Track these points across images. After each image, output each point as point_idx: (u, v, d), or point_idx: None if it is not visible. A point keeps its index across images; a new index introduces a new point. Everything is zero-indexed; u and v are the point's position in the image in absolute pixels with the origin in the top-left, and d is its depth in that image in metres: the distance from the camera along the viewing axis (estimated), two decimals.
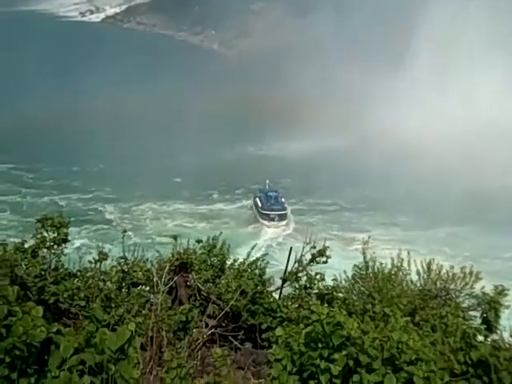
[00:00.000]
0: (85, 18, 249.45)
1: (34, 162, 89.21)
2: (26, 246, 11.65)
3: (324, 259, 12.44)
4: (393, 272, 13.37)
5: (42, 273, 10.79)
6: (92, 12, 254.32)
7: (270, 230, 76.02)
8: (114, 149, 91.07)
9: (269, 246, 68.19)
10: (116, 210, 78.29)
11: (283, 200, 79.72)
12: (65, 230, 11.50)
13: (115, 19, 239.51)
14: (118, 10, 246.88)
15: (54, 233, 11.47)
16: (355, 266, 13.94)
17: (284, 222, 77.49)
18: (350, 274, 14.30)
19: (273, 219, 77.52)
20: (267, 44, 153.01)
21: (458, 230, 71.52)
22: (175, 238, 12.22)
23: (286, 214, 78.36)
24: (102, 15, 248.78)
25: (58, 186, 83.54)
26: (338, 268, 13.98)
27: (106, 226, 72.55)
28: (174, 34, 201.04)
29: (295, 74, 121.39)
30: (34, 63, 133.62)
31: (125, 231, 13.75)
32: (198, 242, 13.23)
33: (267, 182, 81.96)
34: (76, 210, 74.58)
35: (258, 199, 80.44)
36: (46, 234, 11.50)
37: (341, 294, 12.26)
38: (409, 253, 13.61)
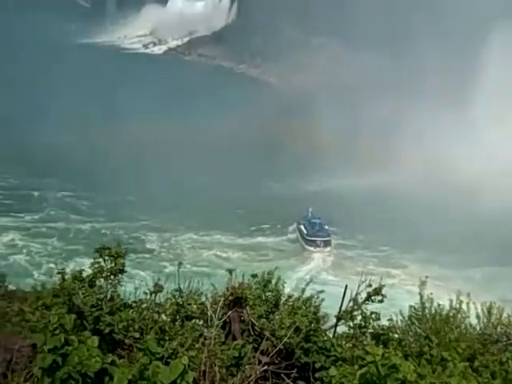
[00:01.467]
0: (147, 50, 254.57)
1: (90, 190, 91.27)
2: (84, 275, 11.80)
3: (380, 298, 12.26)
4: (451, 314, 13.06)
5: (99, 302, 10.91)
6: (155, 44, 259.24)
7: (312, 264, 76.29)
8: (165, 178, 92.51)
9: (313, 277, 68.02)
10: (158, 240, 79.34)
11: (327, 227, 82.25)
12: (122, 261, 11.64)
13: (177, 51, 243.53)
14: (179, 42, 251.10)
15: (111, 263, 11.59)
16: (411, 306, 13.67)
17: (329, 248, 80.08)
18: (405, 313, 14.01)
19: (318, 245, 79.99)
20: (325, 79, 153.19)
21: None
22: (230, 272, 12.22)
23: (330, 240, 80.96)
24: (164, 47, 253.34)
25: (107, 214, 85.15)
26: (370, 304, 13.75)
27: (147, 255, 73.66)
28: (233, 66, 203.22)
29: (350, 109, 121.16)
30: (95, 93, 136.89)
31: (180, 263, 13.81)
32: (253, 276, 13.21)
33: (310, 209, 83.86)
34: (118, 239, 75.49)
35: (302, 226, 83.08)
36: (103, 264, 11.63)
37: (396, 335, 12.03)
38: (469, 295, 13.30)
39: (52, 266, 71.35)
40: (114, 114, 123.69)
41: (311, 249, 79.89)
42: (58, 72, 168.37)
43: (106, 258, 11.49)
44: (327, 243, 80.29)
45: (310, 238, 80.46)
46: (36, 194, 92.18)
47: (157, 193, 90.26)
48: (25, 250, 74.92)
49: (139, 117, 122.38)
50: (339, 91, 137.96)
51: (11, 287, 14.46)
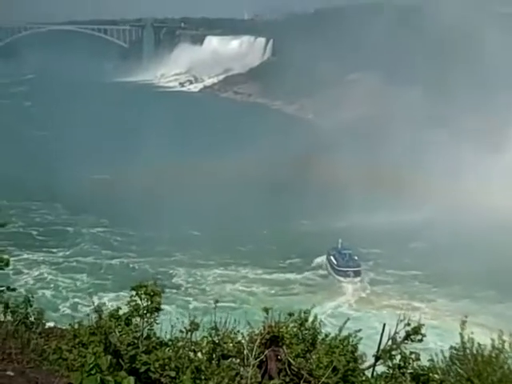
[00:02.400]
0: (184, 88, 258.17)
1: (124, 225, 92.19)
2: (121, 313, 11.78)
3: (419, 337, 12.04)
4: (493, 354, 12.74)
5: (135, 341, 10.80)
6: (191, 82, 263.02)
7: (340, 299, 76.29)
8: (198, 214, 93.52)
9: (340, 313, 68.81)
10: (185, 275, 79.83)
11: (356, 258, 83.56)
12: (158, 299, 11.56)
13: (213, 89, 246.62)
14: (215, 80, 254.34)
15: (147, 301, 11.57)
16: (452, 346, 13.36)
17: (359, 278, 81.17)
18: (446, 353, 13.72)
19: (349, 275, 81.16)
20: (363, 114, 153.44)
21: None
22: (267, 310, 12.11)
23: (360, 270, 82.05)
24: (200, 85, 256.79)
25: (138, 249, 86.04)
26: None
27: (173, 290, 73.93)
28: (269, 103, 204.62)
29: (388, 144, 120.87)
30: (133, 130, 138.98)
31: (216, 301, 13.73)
32: (290, 315, 13.03)
33: (340, 240, 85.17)
34: (144, 274, 77.23)
35: (332, 257, 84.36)
36: (139, 302, 11.61)
37: (437, 376, 11.76)
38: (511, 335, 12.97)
39: (77, 300, 73.15)
40: (151, 150, 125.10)
41: (341, 279, 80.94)
42: (95, 110, 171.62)
43: (143, 296, 11.46)
44: (357, 273, 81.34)
45: (340, 269, 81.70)
46: (70, 229, 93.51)
47: (189, 228, 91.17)
48: (52, 285, 75.83)
49: (175, 153, 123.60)
50: (375, 126, 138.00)
51: (49, 324, 14.53)
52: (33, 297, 14.54)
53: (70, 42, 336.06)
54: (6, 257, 14.80)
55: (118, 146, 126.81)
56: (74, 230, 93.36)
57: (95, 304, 11.67)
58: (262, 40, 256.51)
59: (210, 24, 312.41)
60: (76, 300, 72.13)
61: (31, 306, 13.93)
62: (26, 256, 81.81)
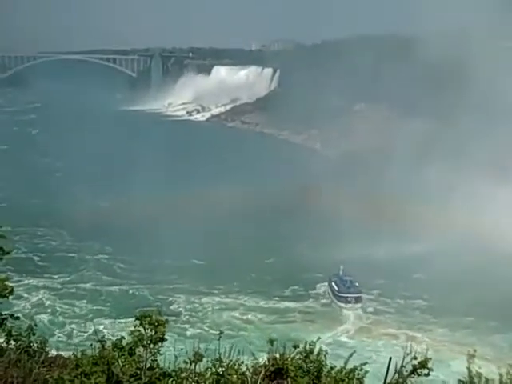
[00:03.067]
0: (191, 117, 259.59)
1: (128, 253, 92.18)
2: (124, 342, 11.67)
3: (426, 371, 11.87)
4: None
5: (138, 372, 10.67)
6: (198, 111, 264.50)
7: (340, 327, 76.30)
8: (202, 242, 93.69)
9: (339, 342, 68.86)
10: (183, 302, 79.71)
11: (357, 284, 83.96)
12: (162, 329, 11.45)
13: (220, 118, 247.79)
14: (223, 109, 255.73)
15: (151, 331, 11.46)
16: (460, 381, 13.16)
17: (359, 305, 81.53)
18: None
19: (349, 302, 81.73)
20: (369, 144, 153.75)
21: None
22: (271, 342, 11.98)
23: (361, 297, 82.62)
24: (207, 114, 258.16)
25: (139, 276, 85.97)
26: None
27: (171, 317, 73.60)
28: (276, 133, 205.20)
29: (394, 175, 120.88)
30: (139, 158, 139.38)
31: (221, 332, 13.60)
32: (295, 347, 12.87)
33: (341, 267, 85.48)
34: (143, 300, 77.82)
35: (333, 283, 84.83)
36: (143, 332, 11.51)
37: None
38: None
39: (74, 326, 72.84)
40: (157, 178, 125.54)
41: (342, 305, 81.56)
42: (102, 138, 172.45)
43: (147, 325, 11.35)
44: (358, 300, 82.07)
45: (341, 295, 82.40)
46: (73, 255, 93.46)
47: (191, 257, 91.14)
48: (50, 310, 75.76)
49: (181, 181, 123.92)
50: (380, 157, 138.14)
51: (53, 352, 14.39)
52: (36, 325, 14.43)
53: (79, 71, 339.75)
54: (10, 285, 14.74)
55: (124, 173, 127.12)
56: (76, 257, 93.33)
57: (97, 333, 11.57)
58: (269, 70, 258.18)
59: (217, 54, 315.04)
60: (72, 326, 71.94)
61: (34, 334, 13.81)
62: (26, 281, 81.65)
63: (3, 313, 14.90)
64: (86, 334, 70.02)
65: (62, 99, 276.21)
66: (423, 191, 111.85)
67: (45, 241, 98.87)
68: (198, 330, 71.45)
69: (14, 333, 13.93)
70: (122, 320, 72.59)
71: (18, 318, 15.25)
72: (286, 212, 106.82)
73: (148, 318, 11.62)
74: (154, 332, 11.34)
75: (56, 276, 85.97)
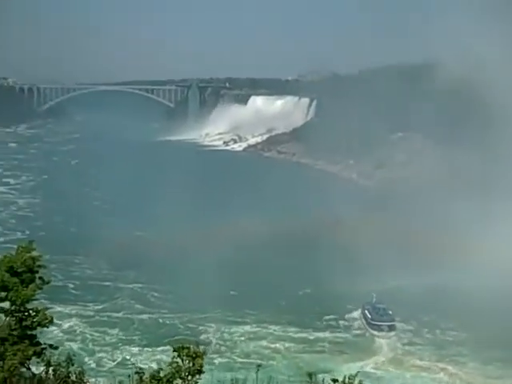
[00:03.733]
0: (228, 147, 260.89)
1: (164, 283, 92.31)
2: (162, 374, 11.65)
3: None
4: None
5: None
6: (235, 141, 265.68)
7: (371, 359, 75.45)
8: (238, 273, 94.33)
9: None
10: (213, 331, 79.36)
11: (390, 312, 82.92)
12: (200, 361, 11.41)
13: (256, 148, 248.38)
14: (259, 139, 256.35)
15: (189, 363, 11.42)
16: None
17: (393, 333, 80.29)
18: None
19: (383, 330, 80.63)
20: (406, 174, 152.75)
21: None
22: (310, 375, 11.87)
23: (394, 325, 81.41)
24: (244, 144, 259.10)
25: (173, 306, 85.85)
26: None
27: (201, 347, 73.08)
28: (312, 163, 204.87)
29: (431, 205, 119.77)
30: (176, 189, 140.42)
31: (259, 366, 13.51)
32: (334, 381, 12.75)
33: (374, 295, 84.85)
34: (173, 329, 77.87)
35: (366, 311, 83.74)
36: (181, 364, 11.47)
37: None
38: None
39: (103, 354, 72.54)
40: (194, 208, 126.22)
41: (375, 333, 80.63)
42: (140, 168, 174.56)
43: (185, 357, 11.30)
44: (391, 328, 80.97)
45: (374, 323, 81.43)
46: (108, 284, 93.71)
47: (226, 287, 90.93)
48: (80, 337, 75.52)
49: (217, 211, 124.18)
50: (417, 187, 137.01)
51: (91, 380, 14.42)
52: (74, 355, 14.49)
53: (117, 101, 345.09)
54: (50, 315, 14.89)
55: (160, 203, 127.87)
56: (111, 285, 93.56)
57: (135, 364, 11.53)
58: (305, 100, 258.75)
59: (254, 84, 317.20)
60: (101, 355, 71.85)
61: (73, 364, 13.87)
62: (59, 309, 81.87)
63: (42, 342, 15.01)
64: (114, 363, 70.22)
65: (100, 130, 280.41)
66: (460, 222, 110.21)
67: (81, 269, 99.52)
68: (226, 359, 70.91)
69: (52, 362, 14.02)
70: (150, 349, 72.73)
71: (56, 347, 15.38)
72: (320, 242, 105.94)
73: (186, 350, 11.60)
74: (191, 364, 11.30)
75: (89, 304, 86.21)
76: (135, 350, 73.23)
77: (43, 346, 15.25)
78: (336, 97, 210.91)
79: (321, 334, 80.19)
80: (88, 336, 76.77)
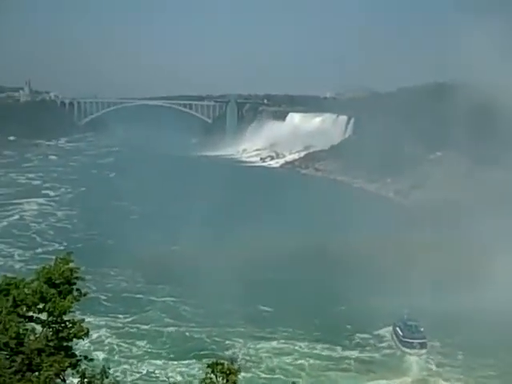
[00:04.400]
0: (265, 163, 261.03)
1: (197, 297, 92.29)
2: None
3: None
4: None
5: None
6: (272, 158, 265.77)
7: (397, 380, 73.79)
8: (269, 288, 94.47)
9: None
10: (239, 346, 79.11)
11: (422, 329, 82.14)
12: (234, 378, 11.38)
13: (293, 165, 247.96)
14: (296, 156, 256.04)
15: (223, 379, 11.38)
16: None
17: (424, 351, 79.73)
18: None
19: (415, 347, 79.97)
20: (444, 194, 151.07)
21: None
22: None
23: (426, 342, 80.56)
24: (281, 161, 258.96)
25: (203, 320, 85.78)
26: None
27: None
28: (350, 181, 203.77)
29: (469, 225, 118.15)
30: (216, 203, 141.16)
31: (293, 383, 13.40)
32: None
33: (406, 311, 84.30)
34: (200, 343, 77.78)
35: (397, 328, 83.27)
36: (214, 380, 11.44)
37: None
38: None
39: (127, 366, 72.07)
40: (230, 223, 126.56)
41: (407, 350, 79.97)
42: (177, 182, 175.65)
43: (218, 374, 11.27)
44: (423, 345, 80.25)
45: (406, 340, 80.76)
46: (141, 296, 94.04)
47: (258, 303, 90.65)
48: (107, 348, 75.90)
49: (252, 227, 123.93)
50: (455, 207, 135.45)
51: None
52: (109, 368, 14.56)
53: (157, 116, 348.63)
54: (85, 327, 15.03)
55: (196, 217, 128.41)
56: (143, 298, 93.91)
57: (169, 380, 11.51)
58: (343, 118, 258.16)
59: (292, 101, 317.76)
60: (126, 366, 72.04)
61: (107, 377, 13.94)
62: (88, 319, 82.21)
63: (78, 354, 15.13)
64: (138, 374, 70.60)
65: (138, 143, 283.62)
66: (500, 241, 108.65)
67: (116, 281, 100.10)
68: (250, 374, 70.57)
69: (87, 375, 14.11)
70: (175, 362, 72.94)
71: (91, 359, 15.46)
72: (355, 261, 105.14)
73: (220, 366, 11.56)
74: (225, 380, 11.26)
75: (120, 316, 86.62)
76: (160, 362, 73.42)
77: (78, 358, 15.35)
78: (374, 114, 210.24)
79: (348, 352, 79.40)
80: (115, 347, 77.20)
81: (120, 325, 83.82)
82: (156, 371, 70.99)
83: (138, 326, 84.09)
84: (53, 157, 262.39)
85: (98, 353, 72.50)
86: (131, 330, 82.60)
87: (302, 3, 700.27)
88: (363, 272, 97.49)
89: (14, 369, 13.92)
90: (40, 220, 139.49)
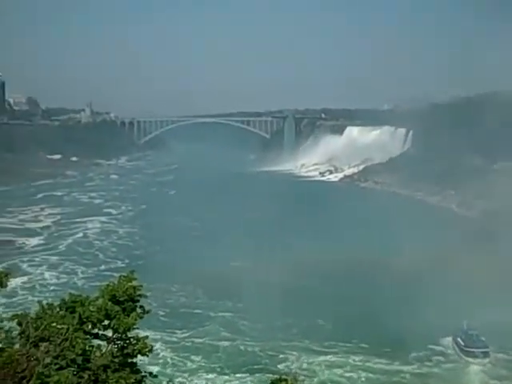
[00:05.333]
0: (324, 178, 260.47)
1: (257, 313, 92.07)
2: None
3: None
4: None
5: None
6: (331, 172, 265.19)
7: None
8: (330, 303, 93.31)
9: None
10: (292, 360, 78.39)
11: (483, 339, 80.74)
12: None
13: (352, 178, 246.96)
14: (355, 169, 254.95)
15: None
16: None
17: (487, 360, 78.34)
18: None
19: (477, 356, 78.66)
20: (508, 205, 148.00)
21: None
22: None
23: (488, 352, 79.15)
24: (340, 175, 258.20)
25: (260, 334, 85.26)
26: None
27: (272, 375, 72.15)
28: (411, 194, 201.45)
29: None
30: (276, 219, 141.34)
31: None
32: None
33: (465, 322, 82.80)
34: (254, 357, 77.72)
35: (459, 339, 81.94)
36: None
37: None
38: None
39: (180, 379, 71.89)
40: (291, 239, 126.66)
41: (470, 360, 78.39)
42: (236, 198, 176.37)
43: None
44: (486, 354, 78.73)
45: (468, 349, 79.35)
46: (199, 312, 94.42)
47: (316, 316, 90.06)
48: (161, 361, 75.98)
49: (311, 242, 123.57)
50: None
51: None
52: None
53: (214, 133, 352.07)
54: (150, 343, 15.11)
55: (257, 233, 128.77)
56: (203, 313, 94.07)
57: None
58: (402, 130, 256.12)
59: (350, 114, 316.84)
60: (179, 379, 71.91)
61: None
62: (144, 334, 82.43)
63: (142, 370, 15.25)
64: None
65: (197, 161, 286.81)
66: None
67: (176, 297, 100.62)
68: None
69: None
70: (228, 376, 73.03)
71: (156, 376, 15.57)
72: (417, 275, 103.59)
73: (283, 383, 11.51)
74: None
75: (177, 331, 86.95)
76: (212, 376, 73.59)
77: (143, 374, 15.49)
78: (433, 126, 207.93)
79: (405, 366, 77.94)
80: (169, 360, 77.63)
81: (175, 339, 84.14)
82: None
83: (193, 340, 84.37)
84: (114, 176, 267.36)
85: (151, 367, 73.24)
86: (187, 344, 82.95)
87: (355, 16, 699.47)
88: (425, 287, 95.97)
89: None
90: (103, 238, 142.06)
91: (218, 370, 75.27)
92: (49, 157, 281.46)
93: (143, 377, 14.84)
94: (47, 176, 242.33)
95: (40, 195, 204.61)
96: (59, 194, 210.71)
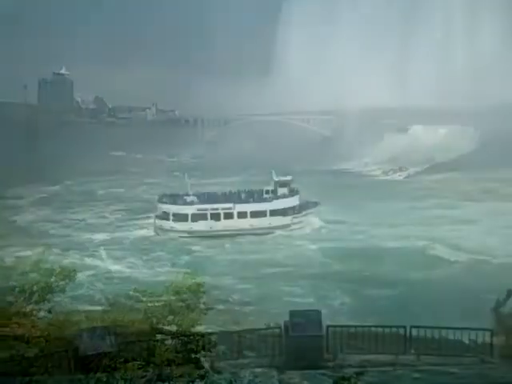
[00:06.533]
0: (387, 177, 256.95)
1: None
2: None
3: None
4: None
5: None
6: (395, 171, 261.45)
7: None
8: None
9: None
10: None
11: None
12: None
13: (417, 178, 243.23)
14: (419, 169, 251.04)
15: None
16: None
17: None
18: None
19: None
20: None
21: None
22: None
23: None
24: (404, 174, 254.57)
25: None
26: None
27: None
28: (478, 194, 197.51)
29: None
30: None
31: None
32: None
33: None
34: None
35: None
36: None
37: None
38: None
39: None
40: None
41: None
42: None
43: None
44: None
45: None
46: None
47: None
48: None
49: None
50: None
51: None
52: (235, 380, 14.68)
53: (274, 132, 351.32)
54: (213, 340, 15.19)
55: None
56: None
57: None
58: (468, 129, 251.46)
59: (414, 113, 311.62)
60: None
61: None
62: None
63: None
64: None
65: (255, 158, 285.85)
66: None
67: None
68: None
69: None
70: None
71: (220, 372, 15.67)
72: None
73: (346, 382, 11.47)
74: None
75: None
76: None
77: (206, 369, 15.66)
78: (501, 125, 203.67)
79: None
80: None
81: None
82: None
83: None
84: (176, 173, 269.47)
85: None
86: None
87: (426, 15, 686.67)
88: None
89: (146, 378, 14.36)
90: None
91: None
92: (113, 153, 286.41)
93: (206, 372, 14.98)
94: (111, 173, 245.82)
95: (102, 191, 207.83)
96: (122, 190, 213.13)
